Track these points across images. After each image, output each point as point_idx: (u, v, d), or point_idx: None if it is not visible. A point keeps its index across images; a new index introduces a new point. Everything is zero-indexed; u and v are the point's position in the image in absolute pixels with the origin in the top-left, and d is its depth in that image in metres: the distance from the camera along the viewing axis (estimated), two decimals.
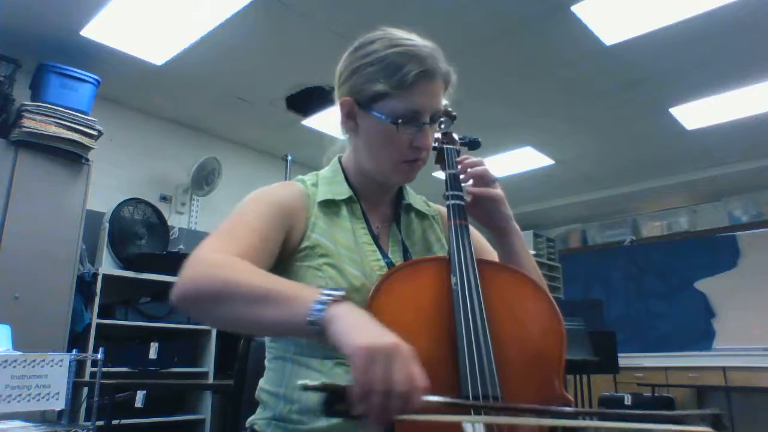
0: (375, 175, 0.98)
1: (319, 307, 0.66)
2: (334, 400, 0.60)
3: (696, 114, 4.07)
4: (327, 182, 1.00)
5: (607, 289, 6.09)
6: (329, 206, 0.96)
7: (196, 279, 0.76)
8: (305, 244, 0.91)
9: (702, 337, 5.34)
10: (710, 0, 2.82)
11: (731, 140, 4.49)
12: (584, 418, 0.70)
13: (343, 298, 0.68)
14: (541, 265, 6.23)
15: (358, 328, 0.63)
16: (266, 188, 0.96)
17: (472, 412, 0.71)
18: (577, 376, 3.95)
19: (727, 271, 5.38)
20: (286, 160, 4.38)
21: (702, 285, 5.49)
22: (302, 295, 0.69)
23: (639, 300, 5.88)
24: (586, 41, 3.17)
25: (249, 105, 4.02)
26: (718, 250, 5.46)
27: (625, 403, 4.64)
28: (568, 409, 0.75)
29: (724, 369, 4.90)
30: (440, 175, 1.03)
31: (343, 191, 0.98)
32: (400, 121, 0.89)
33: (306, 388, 0.59)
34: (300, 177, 1.02)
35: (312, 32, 3.02)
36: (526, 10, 2.93)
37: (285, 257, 0.92)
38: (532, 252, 6.05)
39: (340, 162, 1.04)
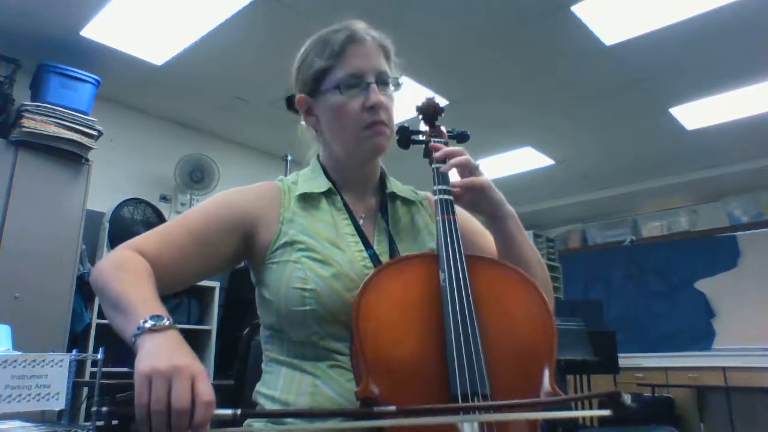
0: (347, 158, 0.99)
1: (136, 332, 0.67)
2: (126, 423, 0.61)
3: (696, 114, 4.07)
4: (306, 179, 1.01)
5: (607, 289, 6.08)
6: (307, 200, 0.97)
7: (94, 272, 0.83)
8: (283, 240, 0.92)
9: (702, 337, 5.33)
10: (710, 0, 2.82)
11: (731, 140, 4.48)
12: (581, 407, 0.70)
13: (167, 328, 0.68)
14: None
15: (147, 356, 0.64)
16: (232, 189, 0.98)
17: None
18: (577, 376, 3.95)
19: (727, 271, 5.37)
20: (286, 160, 4.39)
21: (702, 285, 5.49)
22: (139, 313, 0.70)
23: (639, 300, 5.87)
24: (586, 41, 3.17)
25: (249, 105, 4.02)
26: (718, 250, 5.46)
27: None
28: (511, 402, 0.75)
29: (724, 369, 4.89)
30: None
31: (321, 184, 0.99)
32: (342, 86, 0.93)
33: (100, 413, 0.61)
34: (281, 177, 1.04)
35: (312, 32, 3.01)
36: (526, 10, 2.93)
37: (260, 256, 0.93)
38: None
39: (318, 160, 1.05)
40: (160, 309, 0.71)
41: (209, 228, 0.90)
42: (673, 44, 3.20)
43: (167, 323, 0.69)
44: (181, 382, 0.60)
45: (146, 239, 0.88)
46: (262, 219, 0.93)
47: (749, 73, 3.54)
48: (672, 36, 3.11)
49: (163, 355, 0.64)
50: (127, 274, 0.80)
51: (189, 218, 0.92)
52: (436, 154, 0.98)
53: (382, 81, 0.95)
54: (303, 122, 1.03)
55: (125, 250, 0.85)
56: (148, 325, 0.68)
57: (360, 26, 0.97)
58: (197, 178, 4.22)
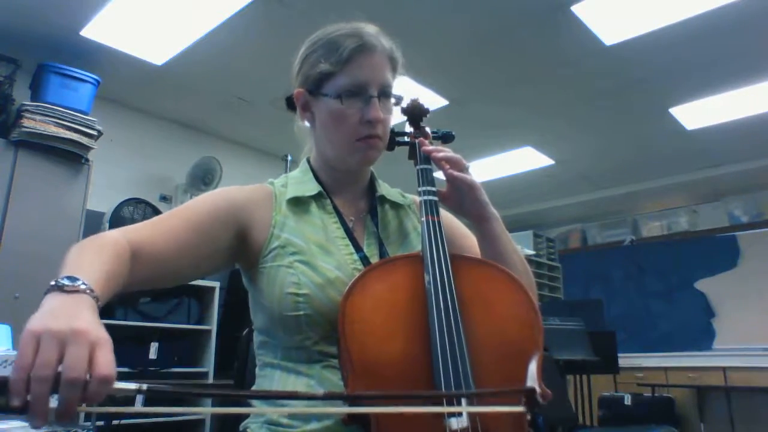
0: (336, 162, 0.98)
1: (45, 292, 0.60)
2: None
3: (696, 114, 4.07)
4: (296, 182, 1.01)
5: (607, 289, 6.08)
6: (297, 204, 0.96)
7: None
8: (275, 244, 0.91)
9: (702, 337, 5.33)
10: (710, 0, 2.82)
11: (731, 140, 4.48)
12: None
13: (80, 291, 0.59)
14: (540, 265, 6.25)
15: (43, 314, 0.55)
16: (226, 187, 0.97)
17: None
18: (577, 376, 3.95)
19: (727, 271, 5.37)
20: (286, 160, 4.38)
21: (702, 285, 5.49)
22: (62, 274, 0.63)
23: (639, 300, 5.87)
24: (586, 41, 3.17)
25: (249, 105, 4.02)
26: (718, 250, 5.46)
27: (625, 403, 4.65)
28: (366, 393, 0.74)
29: (724, 369, 4.89)
30: (439, 174, 1.01)
31: (311, 188, 0.98)
32: (344, 95, 0.91)
33: None
34: (270, 180, 1.03)
35: (312, 32, 3.01)
36: (526, 10, 2.93)
37: (252, 259, 0.93)
38: (532, 252, 6.05)
39: (308, 162, 1.05)
40: (90, 277, 0.62)
41: (205, 216, 0.89)
42: (672, 44, 3.20)
43: (82, 287, 0.60)
44: (77, 347, 0.51)
45: (140, 226, 0.85)
46: (255, 220, 0.93)
47: (749, 73, 3.54)
48: (672, 36, 3.11)
49: (63, 315, 0.55)
50: (90, 247, 0.75)
51: (185, 208, 0.91)
52: (427, 149, 0.98)
53: (385, 94, 0.94)
54: (297, 117, 1.02)
55: (111, 231, 0.81)
56: (59, 282, 0.59)
57: (370, 32, 0.94)
58: (209, 180, 4.24)
